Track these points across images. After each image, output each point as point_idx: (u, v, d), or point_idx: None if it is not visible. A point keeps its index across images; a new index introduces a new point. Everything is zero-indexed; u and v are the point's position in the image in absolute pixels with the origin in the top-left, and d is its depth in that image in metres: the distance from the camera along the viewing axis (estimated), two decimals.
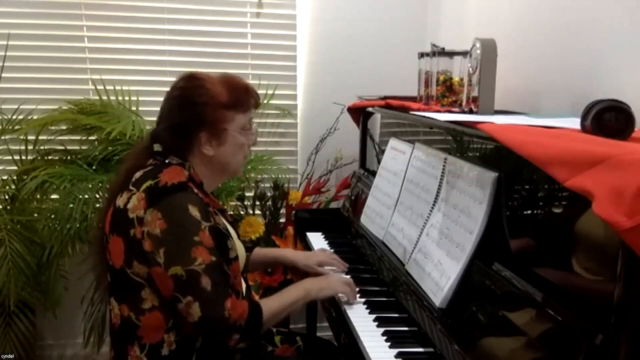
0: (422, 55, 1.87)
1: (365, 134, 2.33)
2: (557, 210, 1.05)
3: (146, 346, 1.23)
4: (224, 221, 1.37)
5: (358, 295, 1.48)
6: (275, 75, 2.53)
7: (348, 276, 1.60)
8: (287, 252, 1.77)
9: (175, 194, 1.21)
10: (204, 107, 1.28)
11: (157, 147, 1.33)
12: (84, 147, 2.31)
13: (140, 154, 1.36)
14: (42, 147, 2.30)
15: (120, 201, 1.25)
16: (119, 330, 1.26)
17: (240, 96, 1.33)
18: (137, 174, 1.27)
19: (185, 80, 1.34)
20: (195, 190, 1.26)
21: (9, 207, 2.23)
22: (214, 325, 1.19)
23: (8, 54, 2.25)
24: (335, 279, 1.49)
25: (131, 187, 1.25)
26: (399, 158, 1.75)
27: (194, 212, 1.20)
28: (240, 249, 1.42)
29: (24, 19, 2.32)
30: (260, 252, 1.70)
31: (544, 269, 1.04)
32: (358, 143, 2.35)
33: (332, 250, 1.92)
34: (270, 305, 1.30)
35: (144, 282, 1.21)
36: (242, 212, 2.44)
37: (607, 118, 0.97)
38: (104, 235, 1.28)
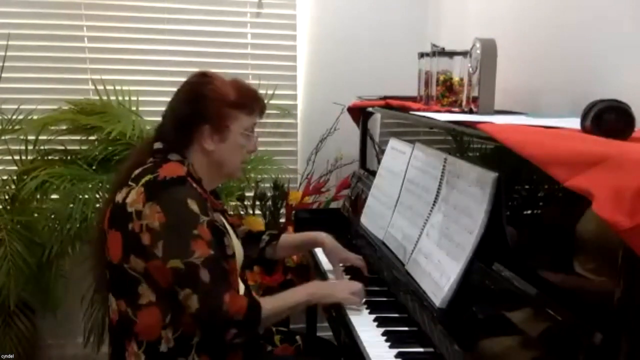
0: (422, 55, 1.86)
1: (365, 134, 2.33)
2: (557, 210, 1.05)
3: (144, 343, 1.23)
4: (222, 219, 1.37)
5: None
6: (275, 75, 2.53)
7: (357, 282, 1.49)
8: (320, 233, 1.68)
9: (174, 187, 1.22)
10: (210, 102, 1.30)
11: (157, 145, 1.34)
12: (84, 147, 2.30)
13: (142, 150, 1.37)
14: (42, 147, 2.30)
15: (119, 196, 1.25)
16: (116, 326, 1.27)
17: (247, 98, 1.36)
18: (137, 171, 1.28)
19: (196, 77, 1.37)
20: (194, 185, 1.27)
21: (9, 207, 2.23)
22: (212, 318, 1.19)
23: (8, 54, 2.25)
24: (342, 287, 1.43)
25: (130, 183, 1.25)
26: (399, 158, 1.75)
27: (193, 205, 1.21)
28: (237, 247, 1.42)
29: (24, 19, 2.32)
30: (287, 237, 1.69)
31: (544, 269, 1.04)
32: (358, 143, 2.35)
33: None
34: (271, 303, 1.30)
35: (140, 277, 1.22)
36: (242, 212, 2.44)
37: (607, 118, 0.97)
38: (103, 232, 1.29)
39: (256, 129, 1.42)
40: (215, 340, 1.25)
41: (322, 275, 1.71)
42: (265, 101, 2.42)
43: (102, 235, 1.30)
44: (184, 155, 1.32)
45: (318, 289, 1.42)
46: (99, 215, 1.57)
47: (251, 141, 1.39)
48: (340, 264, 1.67)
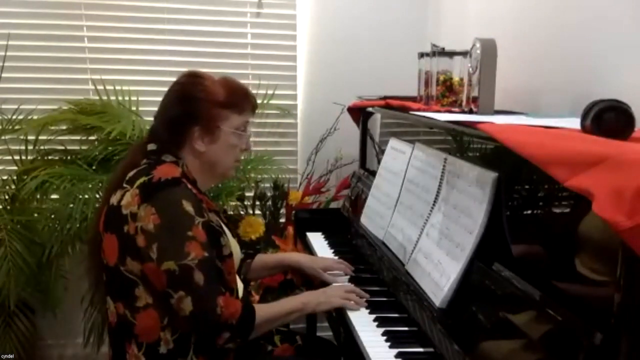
0: (422, 55, 1.87)
1: (365, 134, 2.33)
2: (557, 210, 1.05)
3: (143, 345, 1.23)
4: (218, 219, 1.37)
5: None
6: (275, 75, 2.53)
7: (349, 283, 1.53)
8: (293, 254, 1.76)
9: (169, 188, 1.21)
10: (199, 102, 1.30)
11: (151, 147, 1.34)
12: (84, 147, 2.30)
13: (137, 150, 1.37)
14: (42, 147, 2.30)
15: (113, 199, 1.25)
16: (116, 329, 1.27)
17: (237, 97, 1.35)
18: (131, 173, 1.28)
19: (186, 77, 1.37)
20: (189, 186, 1.26)
21: (9, 207, 2.23)
22: (205, 321, 1.19)
23: (8, 54, 2.25)
24: (335, 293, 1.43)
25: (125, 185, 1.25)
26: (399, 158, 1.75)
27: (188, 207, 1.21)
28: (234, 247, 1.42)
29: (24, 19, 2.31)
30: (262, 257, 1.68)
31: (544, 269, 1.04)
32: (358, 143, 2.35)
33: (333, 251, 1.92)
34: (265, 310, 1.29)
35: (137, 279, 1.22)
36: (242, 212, 2.44)
37: (607, 118, 0.96)
38: (99, 234, 1.29)
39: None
40: (207, 342, 1.25)
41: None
42: (265, 101, 2.46)
43: (97, 237, 1.30)
44: (177, 156, 1.32)
45: (312, 298, 1.41)
46: (96, 216, 1.57)
47: (243, 140, 1.39)
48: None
